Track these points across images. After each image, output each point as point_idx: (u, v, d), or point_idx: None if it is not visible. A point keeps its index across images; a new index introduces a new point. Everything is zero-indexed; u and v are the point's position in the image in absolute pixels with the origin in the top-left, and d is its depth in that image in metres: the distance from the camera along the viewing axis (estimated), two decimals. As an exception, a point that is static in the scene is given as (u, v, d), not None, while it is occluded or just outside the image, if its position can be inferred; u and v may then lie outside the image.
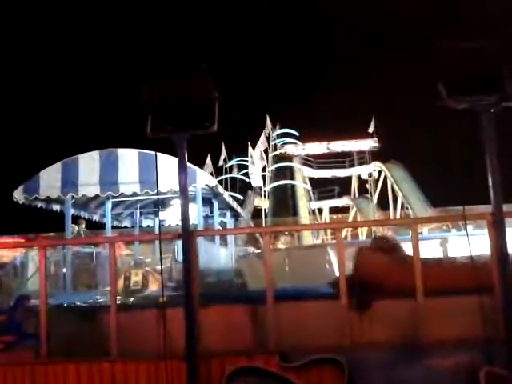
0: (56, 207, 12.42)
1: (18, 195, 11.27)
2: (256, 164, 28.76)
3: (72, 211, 12.46)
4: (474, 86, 4.44)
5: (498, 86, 4.44)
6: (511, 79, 4.42)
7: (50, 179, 11.23)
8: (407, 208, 29.11)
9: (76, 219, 13.66)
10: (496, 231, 4.39)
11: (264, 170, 32.74)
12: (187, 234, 4.60)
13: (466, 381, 4.31)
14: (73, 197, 11.47)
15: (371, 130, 36.67)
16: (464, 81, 4.46)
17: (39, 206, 12.00)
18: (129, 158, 11.12)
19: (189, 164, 10.57)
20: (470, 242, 4.42)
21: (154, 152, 8.15)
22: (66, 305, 6.44)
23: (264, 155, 33.08)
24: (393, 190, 31.92)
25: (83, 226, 14.12)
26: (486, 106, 4.45)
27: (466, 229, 4.45)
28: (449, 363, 4.37)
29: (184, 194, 4.74)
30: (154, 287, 9.03)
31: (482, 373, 4.22)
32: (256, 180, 29.49)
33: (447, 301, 4.57)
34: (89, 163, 11.21)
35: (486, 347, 4.21)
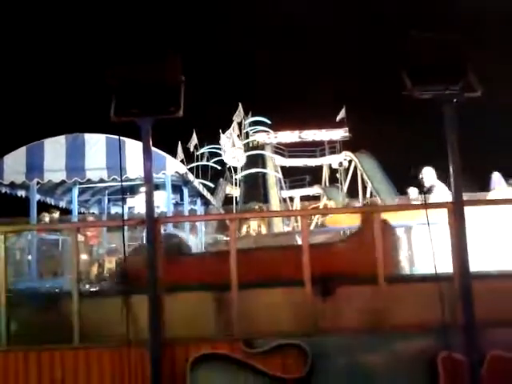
0: (21, 193, 12.14)
1: (-19, 180, 10.97)
2: (231, 146, 28.65)
3: (38, 197, 12.19)
4: (438, 76, 4.49)
5: (462, 76, 4.51)
6: (473, 69, 4.49)
7: (14, 164, 10.96)
8: (375, 197, 29.56)
9: (45, 207, 13.39)
10: (456, 220, 4.48)
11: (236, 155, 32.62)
12: (151, 220, 4.55)
13: (424, 365, 4.42)
14: (38, 182, 11.22)
15: (338, 118, 36.97)
16: (428, 70, 4.51)
17: (3, 191, 11.71)
18: (96, 143, 10.90)
19: (158, 151, 10.58)
20: (430, 231, 4.51)
21: (121, 137, 8.03)
22: (27, 291, 6.31)
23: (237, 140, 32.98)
24: (362, 179, 32.37)
25: (56, 215, 13.81)
26: (449, 96, 4.51)
27: (427, 217, 4.52)
28: (409, 348, 4.47)
29: (149, 180, 4.67)
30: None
31: (439, 357, 4.34)
32: (230, 159, 29.34)
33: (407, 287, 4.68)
34: (55, 148, 10.96)
35: (444, 332, 4.32)
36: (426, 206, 4.71)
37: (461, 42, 4.55)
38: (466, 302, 4.33)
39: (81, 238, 11.22)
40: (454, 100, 4.53)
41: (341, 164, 35.34)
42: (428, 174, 7.97)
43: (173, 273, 4.77)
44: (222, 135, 30.30)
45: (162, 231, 5.27)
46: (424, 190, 7.51)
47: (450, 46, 4.54)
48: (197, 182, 15.06)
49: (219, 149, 31.93)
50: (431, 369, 4.39)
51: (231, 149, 29.24)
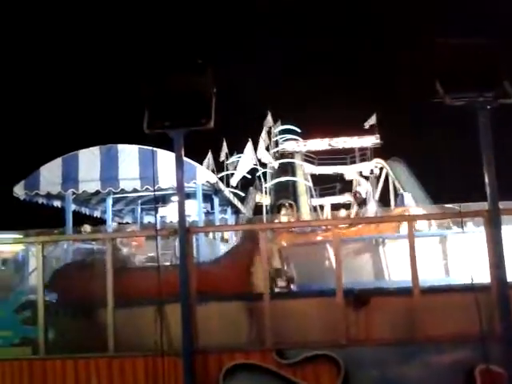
0: (57, 203, 12.44)
1: (19, 191, 11.29)
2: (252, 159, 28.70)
3: (73, 207, 12.47)
4: (471, 83, 4.42)
5: (495, 83, 4.43)
6: (507, 76, 4.40)
7: (50, 175, 11.25)
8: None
9: (79, 216, 13.66)
10: (492, 228, 4.38)
11: (265, 166, 32.68)
12: (183, 230, 4.60)
13: (461, 378, 4.32)
14: (73, 193, 11.48)
15: (368, 124, 36.53)
16: (461, 78, 4.44)
17: (40, 201, 12.01)
18: (129, 154, 11.11)
19: (189, 160, 10.69)
20: (467, 240, 4.42)
21: (153, 148, 8.16)
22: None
23: (265, 151, 33.00)
24: (394, 187, 31.90)
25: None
26: (482, 103, 4.43)
27: (462, 226, 4.44)
28: (445, 360, 4.37)
29: (180, 190, 4.74)
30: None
31: (477, 370, 4.23)
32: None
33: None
34: (89, 159, 11.22)
35: (482, 344, 4.21)
36: (461, 214, 4.62)
37: (494, 47, 4.47)
38: (504, 312, 4.22)
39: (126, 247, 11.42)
40: (488, 107, 4.45)
41: (372, 171, 34.95)
42: (364, 187, 7.82)
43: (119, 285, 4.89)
44: (250, 145, 30.35)
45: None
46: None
47: (484, 51, 4.47)
48: (227, 191, 15.14)
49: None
50: (469, 382, 4.28)
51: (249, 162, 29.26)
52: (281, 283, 6.00)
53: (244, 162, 27.06)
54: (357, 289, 4.84)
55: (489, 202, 4.41)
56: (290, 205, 30.19)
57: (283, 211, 26.46)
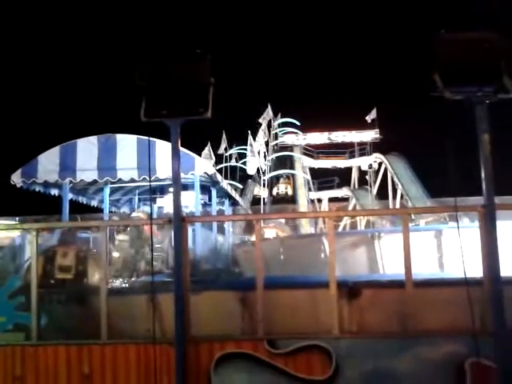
0: (54, 192, 12.41)
1: (16, 179, 11.26)
2: (255, 153, 28.91)
3: (70, 196, 12.45)
4: (470, 77, 4.40)
5: (495, 78, 4.40)
6: (508, 70, 4.38)
7: (48, 163, 11.21)
8: (406, 200, 29.10)
9: (75, 205, 13.64)
10: (487, 223, 4.38)
11: (264, 158, 32.75)
12: (178, 219, 4.60)
13: (452, 371, 4.34)
14: (71, 181, 11.45)
15: (369, 119, 36.49)
16: (460, 71, 4.42)
17: (37, 189, 11.98)
18: (127, 144, 11.06)
19: (187, 151, 10.67)
20: (460, 234, 4.42)
21: (152, 138, 8.13)
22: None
23: (264, 144, 33.03)
24: (393, 181, 31.89)
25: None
26: (481, 98, 4.41)
27: (457, 220, 4.43)
28: (436, 353, 4.39)
29: (176, 180, 4.73)
30: (94, 277, 6.19)
31: (467, 363, 4.25)
32: (251, 168, 29.93)
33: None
34: (87, 148, 11.17)
35: (473, 338, 4.22)
36: (456, 208, 4.61)
37: (494, 41, 4.44)
38: (496, 307, 4.23)
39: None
40: (487, 101, 4.43)
41: (370, 166, 34.95)
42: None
43: None
44: (250, 138, 30.43)
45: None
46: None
47: (484, 45, 4.44)
48: (225, 183, 15.12)
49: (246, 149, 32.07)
50: (459, 375, 4.30)
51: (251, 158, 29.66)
52: None
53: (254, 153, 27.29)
54: (351, 281, 4.85)
55: (484, 197, 4.41)
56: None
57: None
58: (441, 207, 8.50)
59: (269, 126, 36.67)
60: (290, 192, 34.72)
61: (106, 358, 4.75)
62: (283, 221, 22.96)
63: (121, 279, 7.81)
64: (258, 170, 32.05)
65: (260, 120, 34.23)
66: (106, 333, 4.82)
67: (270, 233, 19.74)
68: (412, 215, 10.95)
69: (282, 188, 35.39)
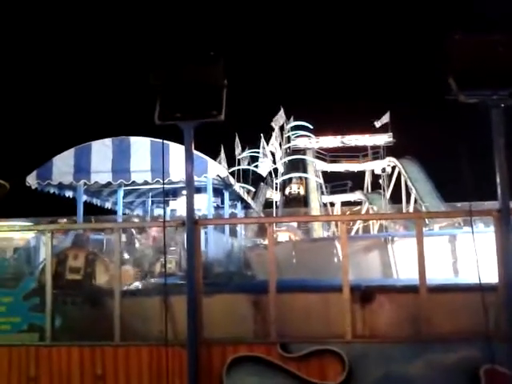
0: (68, 193, 12.53)
1: (31, 180, 11.38)
2: (268, 155, 29.02)
3: (84, 198, 12.57)
4: (485, 81, 4.37)
5: (510, 82, 4.37)
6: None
7: (63, 165, 11.32)
8: (420, 204, 28.86)
9: (90, 207, 13.75)
10: (502, 228, 4.33)
11: (274, 162, 32.80)
12: (191, 222, 4.62)
13: (466, 377, 4.29)
14: (85, 183, 11.56)
15: (381, 122, 36.31)
16: (475, 75, 4.39)
17: (52, 191, 12.10)
18: (141, 147, 11.14)
19: (200, 154, 10.71)
20: (475, 239, 4.37)
21: (165, 141, 8.16)
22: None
23: (278, 147, 33.05)
24: (406, 185, 31.66)
25: None
26: (496, 101, 4.37)
27: (471, 226, 4.39)
28: (450, 359, 4.34)
29: (190, 183, 4.75)
30: (102, 278, 6.54)
31: (482, 370, 4.20)
32: (264, 170, 30.09)
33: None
34: (101, 150, 11.27)
35: (488, 344, 4.17)
36: (471, 213, 4.57)
37: (509, 44, 4.40)
38: (510, 312, 4.17)
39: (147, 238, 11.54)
40: (502, 105, 4.39)
41: (384, 170, 34.75)
42: None
43: None
44: (262, 141, 30.53)
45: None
46: None
47: (499, 48, 4.41)
48: (237, 186, 15.14)
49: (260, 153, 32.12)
50: (473, 381, 4.25)
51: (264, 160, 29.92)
52: None
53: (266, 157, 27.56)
54: (363, 285, 4.82)
55: (499, 202, 4.36)
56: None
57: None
58: (455, 212, 8.42)
59: (281, 129, 36.66)
60: (302, 192, 35.67)
61: (118, 359, 4.77)
62: (295, 225, 22.93)
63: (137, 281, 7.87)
64: (270, 172, 32.09)
65: (272, 123, 34.28)
66: (119, 334, 4.85)
67: (283, 236, 19.72)
68: (426, 220, 10.89)
69: (294, 188, 36.14)
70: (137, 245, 11.11)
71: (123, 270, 7.71)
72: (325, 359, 4.49)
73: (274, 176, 32.26)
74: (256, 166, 33.05)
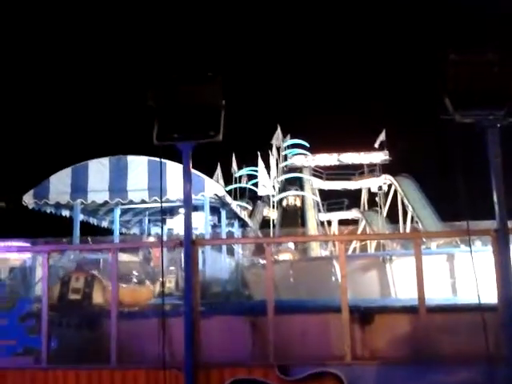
0: (65, 212, 12.47)
1: (28, 199, 11.35)
2: (264, 174, 29.05)
3: (81, 217, 12.50)
4: (481, 101, 4.39)
5: (505, 101, 4.40)
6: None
7: (59, 184, 11.30)
8: (417, 222, 28.85)
9: (86, 227, 13.68)
10: (500, 247, 4.32)
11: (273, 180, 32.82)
12: (188, 242, 4.59)
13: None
14: (82, 203, 11.52)
15: (378, 141, 36.53)
16: (470, 95, 4.42)
17: (48, 211, 12.05)
18: (138, 165, 11.16)
19: (198, 173, 10.71)
20: (473, 258, 4.36)
21: (163, 159, 8.15)
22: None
23: (274, 165, 33.11)
24: (403, 203, 31.69)
25: None
26: (492, 121, 4.40)
27: (470, 244, 4.38)
28: (450, 381, 4.29)
29: (187, 202, 4.73)
30: (98, 298, 6.96)
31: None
32: (262, 190, 30.08)
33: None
34: (98, 169, 11.27)
35: (488, 366, 4.13)
36: (469, 232, 4.56)
37: (504, 63, 4.44)
38: (510, 332, 4.14)
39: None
40: (498, 125, 4.42)
41: (380, 188, 34.80)
42: None
43: None
44: (259, 159, 30.61)
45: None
46: None
47: (494, 68, 4.44)
48: (235, 205, 15.11)
49: (257, 171, 32.15)
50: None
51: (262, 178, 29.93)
52: None
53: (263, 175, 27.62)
54: (363, 306, 4.79)
55: (497, 221, 4.36)
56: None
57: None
58: (454, 231, 8.40)
59: (278, 147, 36.79)
60: (298, 204, 36.39)
61: (115, 383, 4.70)
62: (292, 245, 22.87)
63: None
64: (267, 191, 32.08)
65: (272, 141, 34.44)
66: (115, 357, 4.78)
67: (283, 257, 19.62)
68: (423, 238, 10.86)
69: (291, 200, 36.54)
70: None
71: (144, 287, 8.06)
72: (324, 382, 4.42)
73: (270, 194, 32.29)
74: (253, 184, 33.09)
